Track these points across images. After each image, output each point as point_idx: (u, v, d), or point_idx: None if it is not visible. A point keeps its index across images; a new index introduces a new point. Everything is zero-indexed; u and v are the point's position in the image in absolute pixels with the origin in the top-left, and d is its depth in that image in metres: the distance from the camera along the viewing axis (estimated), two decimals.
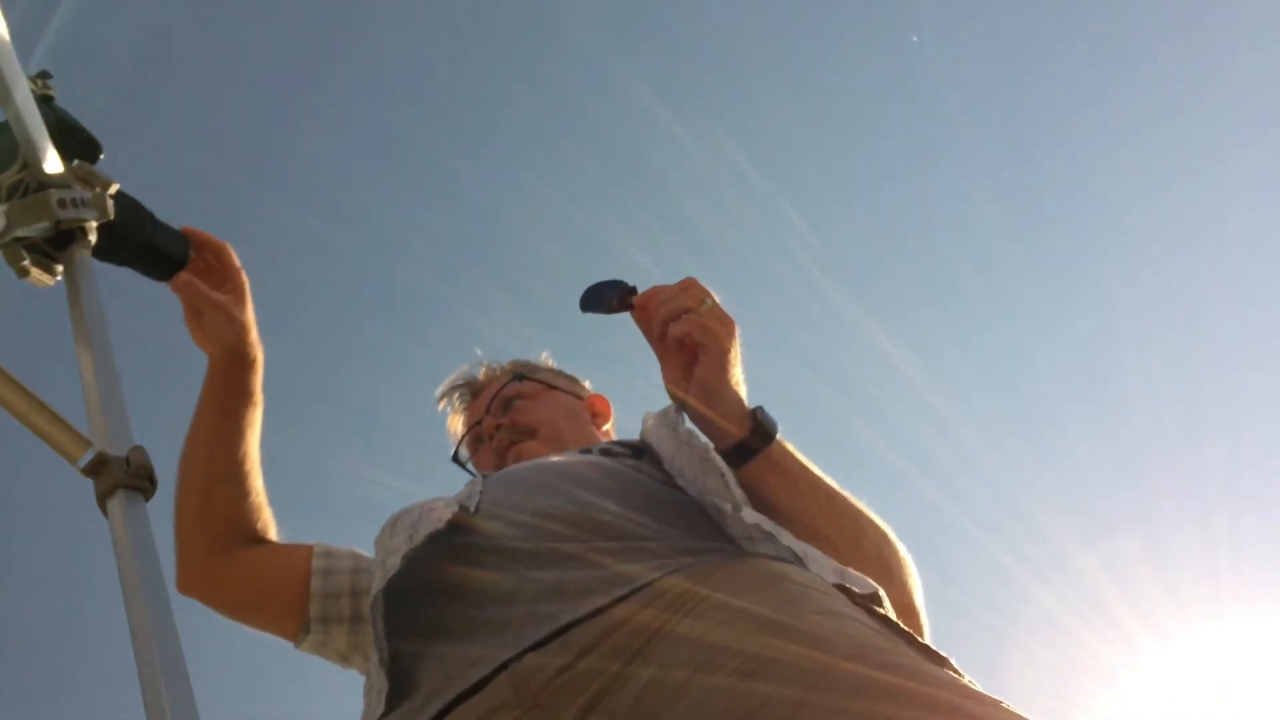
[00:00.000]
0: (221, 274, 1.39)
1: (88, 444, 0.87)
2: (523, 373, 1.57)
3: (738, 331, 1.12)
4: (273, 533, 1.36)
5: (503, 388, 1.54)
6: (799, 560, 0.97)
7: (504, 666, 0.87)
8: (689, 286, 1.12)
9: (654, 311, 1.12)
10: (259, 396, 1.38)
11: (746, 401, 1.11)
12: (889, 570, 1.08)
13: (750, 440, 1.09)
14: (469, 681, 0.88)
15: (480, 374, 1.64)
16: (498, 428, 1.47)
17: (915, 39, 4.65)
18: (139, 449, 0.88)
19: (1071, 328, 5.05)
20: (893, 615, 0.94)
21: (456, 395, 1.64)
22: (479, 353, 1.68)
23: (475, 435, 1.54)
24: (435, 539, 1.01)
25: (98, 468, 0.86)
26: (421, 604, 1.00)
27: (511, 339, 1.68)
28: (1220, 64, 4.63)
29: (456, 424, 1.63)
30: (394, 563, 1.01)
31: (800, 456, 1.12)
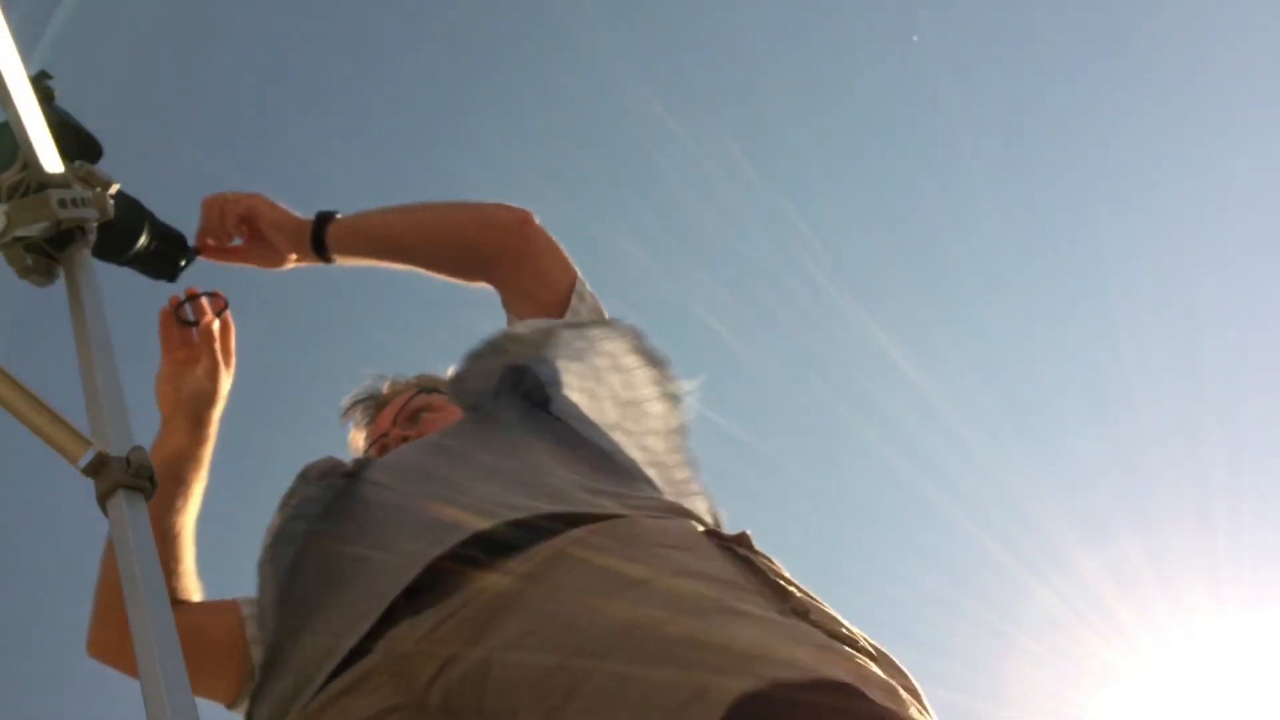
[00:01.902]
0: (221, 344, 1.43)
1: (88, 444, 0.87)
2: (430, 385, 1.57)
3: (262, 196, 1.41)
4: (196, 597, 1.32)
5: (410, 399, 1.54)
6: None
7: (381, 629, 0.90)
8: (206, 207, 1.41)
9: (210, 249, 1.41)
10: (206, 469, 1.37)
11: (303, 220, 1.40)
12: (481, 211, 1.35)
13: (315, 248, 1.37)
14: (354, 638, 0.91)
15: (385, 388, 1.63)
16: (404, 439, 1.46)
17: (915, 39, 4.65)
18: (139, 449, 0.88)
19: (1072, 327, 5.05)
20: (757, 553, 0.94)
21: (360, 409, 1.63)
22: (379, 371, 1.68)
23: (381, 447, 1.52)
24: (321, 516, 1.09)
25: (98, 468, 0.86)
26: (301, 579, 1.04)
27: None
28: (1222, 62, 4.62)
29: (359, 439, 1.62)
30: (275, 521, 1.07)
31: (368, 218, 1.39)
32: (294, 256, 1.42)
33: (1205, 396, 4.48)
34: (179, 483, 1.32)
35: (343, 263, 1.39)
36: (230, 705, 1.24)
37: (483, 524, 0.95)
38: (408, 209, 1.40)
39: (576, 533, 0.93)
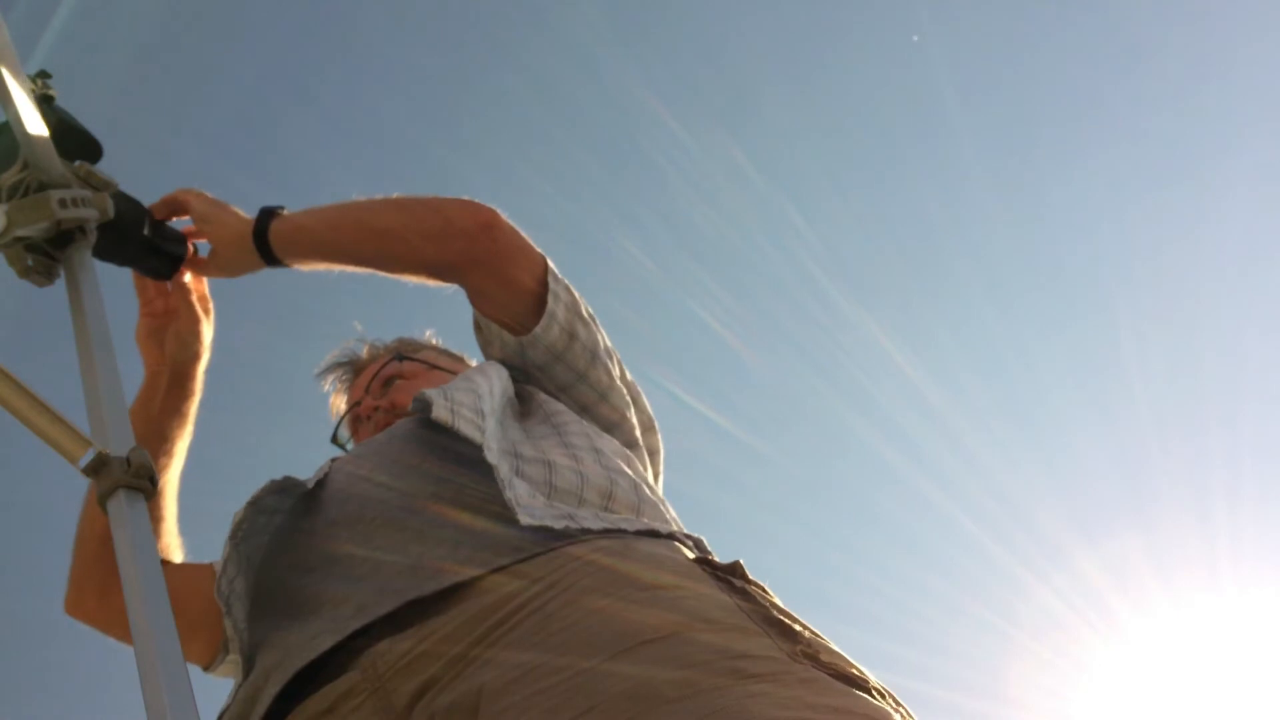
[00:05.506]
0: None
1: (88, 444, 0.87)
2: (404, 352, 1.54)
3: (196, 191, 1.32)
4: (178, 557, 1.32)
5: (382, 367, 1.51)
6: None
7: (353, 642, 0.87)
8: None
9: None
10: (191, 424, 1.36)
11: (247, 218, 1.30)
12: (443, 219, 1.23)
13: (262, 249, 1.26)
14: (309, 656, 0.88)
15: (364, 352, 1.60)
16: (375, 409, 1.44)
17: (915, 39, 4.65)
18: (139, 449, 0.88)
19: (1071, 325, 5.05)
20: (751, 582, 0.90)
21: (338, 374, 1.61)
22: (359, 328, 1.65)
23: (355, 416, 1.49)
24: (291, 515, 1.07)
25: (98, 468, 0.86)
26: (270, 585, 1.02)
27: None
28: (1222, 62, 4.62)
29: (339, 403, 1.59)
30: (232, 530, 1.03)
31: (313, 216, 1.28)
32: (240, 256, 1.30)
33: (1206, 395, 4.48)
34: (163, 439, 1.31)
35: (295, 267, 1.29)
36: (205, 669, 1.26)
37: (465, 572, 0.90)
38: (357, 217, 1.28)
39: (575, 550, 0.90)
